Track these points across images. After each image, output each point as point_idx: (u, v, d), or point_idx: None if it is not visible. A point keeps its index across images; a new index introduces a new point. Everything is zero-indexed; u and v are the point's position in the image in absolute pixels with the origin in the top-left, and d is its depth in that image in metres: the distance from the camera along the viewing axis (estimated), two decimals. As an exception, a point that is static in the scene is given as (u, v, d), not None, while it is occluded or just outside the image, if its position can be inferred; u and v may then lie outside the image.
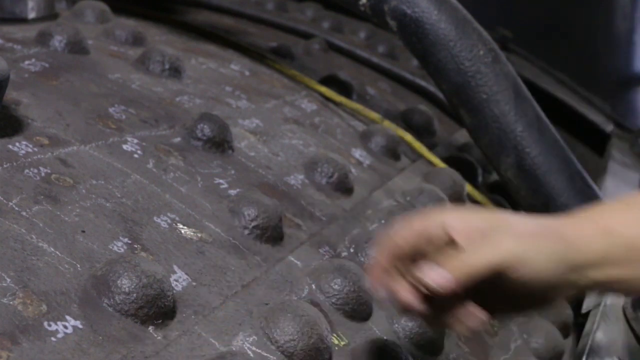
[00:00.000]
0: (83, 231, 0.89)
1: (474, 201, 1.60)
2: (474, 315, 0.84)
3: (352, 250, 1.15)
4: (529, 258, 0.83)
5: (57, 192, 0.92)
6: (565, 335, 1.36)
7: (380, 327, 1.01)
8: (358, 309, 0.99)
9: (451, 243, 0.84)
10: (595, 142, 2.69)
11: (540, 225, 0.86)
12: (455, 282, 0.81)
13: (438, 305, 0.84)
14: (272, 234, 1.05)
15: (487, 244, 0.83)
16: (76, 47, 1.35)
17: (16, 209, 0.86)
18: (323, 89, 1.68)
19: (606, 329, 1.23)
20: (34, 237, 0.84)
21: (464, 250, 0.83)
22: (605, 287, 0.90)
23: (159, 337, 0.81)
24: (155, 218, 0.98)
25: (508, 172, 1.50)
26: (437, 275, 0.81)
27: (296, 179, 1.24)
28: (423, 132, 1.85)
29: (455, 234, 0.84)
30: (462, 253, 0.83)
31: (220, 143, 1.19)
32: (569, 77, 3.02)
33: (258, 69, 1.67)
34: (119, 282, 0.80)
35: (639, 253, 0.85)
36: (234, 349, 0.84)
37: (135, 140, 1.11)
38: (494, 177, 1.81)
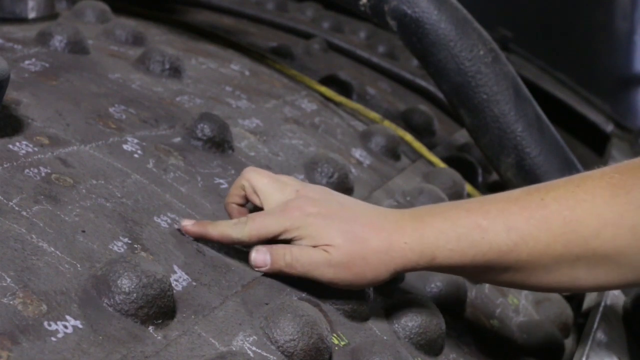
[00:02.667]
0: (83, 231, 0.89)
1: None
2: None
3: (352, 250, 1.14)
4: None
5: (57, 192, 0.92)
6: (566, 335, 1.36)
7: (380, 327, 1.01)
8: (358, 309, 0.99)
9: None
10: (595, 142, 2.69)
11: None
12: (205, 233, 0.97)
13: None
14: (272, 233, 1.05)
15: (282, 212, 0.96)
16: (76, 47, 1.35)
17: (16, 208, 0.86)
18: (323, 89, 1.68)
19: (606, 329, 1.23)
20: (34, 237, 0.84)
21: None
22: None
23: (159, 337, 0.81)
24: (155, 218, 0.98)
25: (508, 172, 1.50)
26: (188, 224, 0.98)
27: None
28: (423, 132, 1.85)
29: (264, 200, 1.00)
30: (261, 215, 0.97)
31: (220, 143, 1.19)
32: (569, 77, 3.02)
33: (258, 69, 1.67)
34: (119, 282, 0.81)
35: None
36: (234, 349, 0.84)
37: (136, 140, 1.11)
38: (494, 177, 1.81)
